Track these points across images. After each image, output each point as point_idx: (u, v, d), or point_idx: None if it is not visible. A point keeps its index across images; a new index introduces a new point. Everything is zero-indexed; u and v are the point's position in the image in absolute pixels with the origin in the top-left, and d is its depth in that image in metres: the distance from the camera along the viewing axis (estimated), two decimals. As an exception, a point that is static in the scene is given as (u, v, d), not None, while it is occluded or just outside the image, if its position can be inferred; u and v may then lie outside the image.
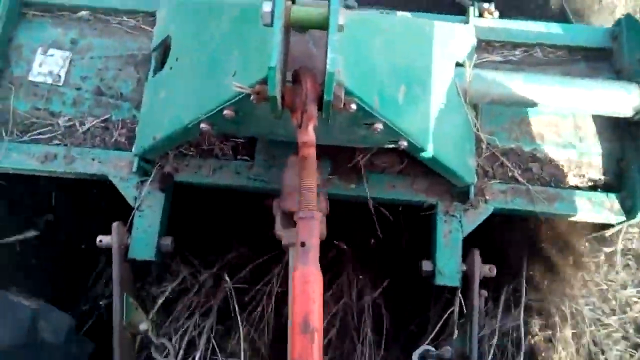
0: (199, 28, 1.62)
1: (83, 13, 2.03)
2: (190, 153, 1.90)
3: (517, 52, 2.02)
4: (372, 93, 1.39)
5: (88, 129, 1.91)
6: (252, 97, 1.28)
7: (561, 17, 2.33)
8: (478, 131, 1.86)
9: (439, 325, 1.92)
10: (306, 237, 1.17)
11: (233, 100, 1.37)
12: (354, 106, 1.34)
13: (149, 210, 1.82)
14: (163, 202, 1.83)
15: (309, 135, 1.25)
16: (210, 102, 1.45)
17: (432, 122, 1.61)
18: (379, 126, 1.45)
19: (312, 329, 1.10)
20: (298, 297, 1.12)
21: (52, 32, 2.01)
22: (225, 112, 1.42)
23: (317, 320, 1.11)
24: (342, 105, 1.28)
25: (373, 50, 1.47)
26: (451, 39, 1.79)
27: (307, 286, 1.13)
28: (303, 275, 1.14)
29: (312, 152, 1.25)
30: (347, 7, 1.74)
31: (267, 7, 1.17)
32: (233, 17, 1.49)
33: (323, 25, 1.21)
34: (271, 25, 1.18)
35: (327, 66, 1.15)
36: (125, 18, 2.03)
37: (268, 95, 1.21)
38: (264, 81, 1.24)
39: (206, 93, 1.49)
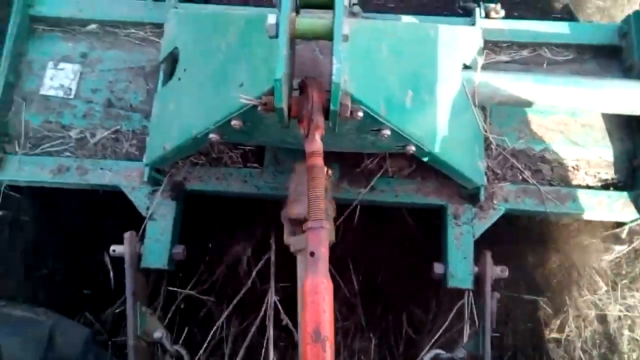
0: (206, 40, 1.63)
1: (92, 26, 2.05)
2: (201, 162, 1.92)
3: (524, 52, 2.01)
4: (378, 100, 1.40)
5: (99, 140, 1.93)
6: (259, 108, 1.29)
7: (568, 15, 2.30)
8: (487, 133, 1.86)
9: (442, 329, 1.92)
10: (316, 246, 1.18)
11: (241, 111, 1.38)
12: (360, 114, 1.34)
13: (160, 219, 1.84)
14: (175, 211, 1.85)
15: (316, 144, 1.26)
16: (218, 113, 1.46)
17: (440, 126, 1.61)
18: (387, 132, 1.45)
19: (323, 338, 1.10)
20: (309, 307, 1.13)
21: (62, 46, 2.04)
22: (233, 122, 1.43)
23: (328, 329, 1.12)
24: (349, 114, 1.28)
25: (379, 56, 1.48)
26: (457, 42, 1.79)
27: (317, 296, 1.14)
28: (313, 285, 1.14)
29: (319, 161, 1.26)
30: (352, 14, 1.74)
31: (272, 20, 1.17)
32: (239, 28, 1.50)
33: (328, 35, 1.22)
34: (276, 37, 1.19)
35: (333, 76, 1.15)
36: (133, 30, 2.05)
37: (275, 106, 1.21)
38: (271, 92, 1.25)
39: (214, 104, 1.51)
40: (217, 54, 1.55)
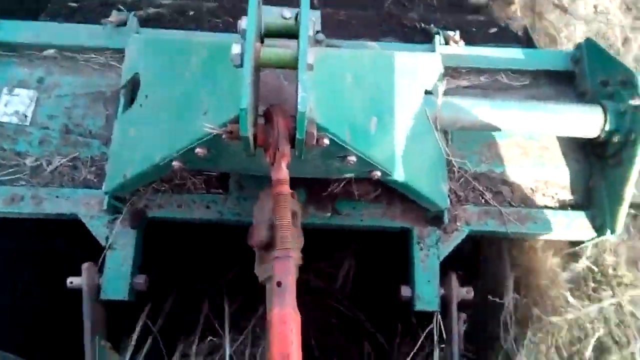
0: (169, 66, 1.61)
1: (50, 51, 2.00)
2: (163, 188, 1.87)
3: (482, 78, 2.08)
4: (344, 127, 1.40)
5: (56, 168, 1.86)
6: (224, 136, 1.28)
7: (526, 43, 2.40)
8: (449, 156, 1.89)
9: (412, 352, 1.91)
10: (283, 276, 1.16)
11: (205, 139, 1.37)
12: (326, 141, 1.34)
13: (120, 249, 1.78)
14: (135, 240, 1.80)
15: (282, 172, 1.25)
16: (181, 141, 1.43)
17: (405, 151, 1.63)
18: (352, 158, 1.46)
19: (291, 370, 1.08)
20: (275, 339, 1.11)
21: (18, 72, 1.97)
22: (197, 150, 1.41)
23: (296, 361, 1.10)
24: (315, 142, 1.28)
25: (343, 84, 1.49)
26: (419, 68, 1.83)
27: (284, 327, 1.12)
28: (280, 316, 1.12)
29: (285, 189, 1.25)
30: (317, 41, 1.76)
31: (236, 49, 1.17)
32: (202, 55, 1.49)
33: (293, 64, 1.22)
34: (241, 66, 1.18)
35: (298, 106, 1.15)
36: (93, 55, 2.00)
37: (240, 135, 1.20)
38: (236, 120, 1.24)
39: (177, 131, 1.48)
40: (180, 80, 1.53)
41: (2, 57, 2.00)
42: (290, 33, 1.35)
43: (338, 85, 1.48)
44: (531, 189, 1.96)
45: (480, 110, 1.81)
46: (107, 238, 1.78)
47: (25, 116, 1.90)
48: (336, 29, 2.31)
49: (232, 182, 1.90)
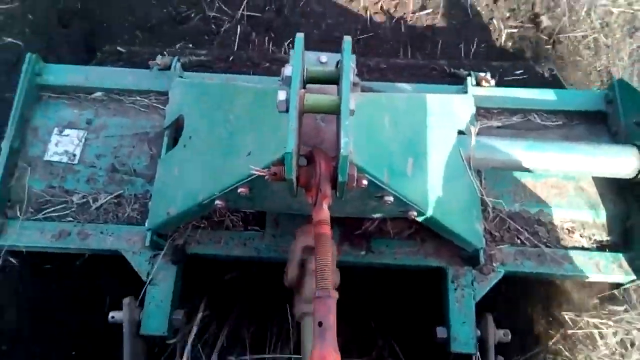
0: (212, 109, 1.69)
1: (98, 94, 2.12)
2: (202, 225, 1.93)
3: (515, 118, 2.10)
4: (382, 168, 1.44)
5: (101, 205, 1.95)
6: (267, 177, 1.33)
7: (554, 84, 2.43)
8: (483, 196, 1.91)
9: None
10: (323, 316, 1.18)
11: (248, 179, 1.42)
12: (365, 182, 1.38)
13: (161, 284, 1.83)
14: (175, 276, 1.85)
15: (323, 213, 1.29)
16: (225, 180, 1.49)
17: (440, 191, 1.65)
18: (390, 199, 1.49)
19: (334, 411, 1.09)
20: (318, 379, 1.12)
21: (68, 113, 2.09)
22: (240, 190, 1.46)
23: (338, 402, 1.10)
24: (355, 183, 1.32)
25: (381, 127, 1.54)
26: (452, 109, 1.87)
27: (326, 366, 1.13)
28: (321, 356, 1.13)
29: (327, 229, 1.28)
30: (353, 84, 1.82)
31: (282, 96, 1.23)
32: (246, 100, 1.56)
33: (335, 110, 1.28)
34: (287, 112, 1.24)
35: (341, 150, 1.20)
36: (138, 97, 2.11)
37: (285, 177, 1.25)
38: (279, 162, 1.29)
39: (221, 171, 1.54)
40: (224, 123, 1.60)
41: (53, 99, 2.12)
42: (331, 80, 1.41)
43: (376, 128, 1.53)
44: (567, 229, 1.95)
45: (514, 150, 1.83)
46: (148, 274, 1.83)
47: (74, 155, 2.00)
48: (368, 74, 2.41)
49: (268, 220, 1.95)
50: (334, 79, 1.40)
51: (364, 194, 1.49)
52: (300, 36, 1.35)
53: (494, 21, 2.88)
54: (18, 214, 1.91)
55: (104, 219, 1.93)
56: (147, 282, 1.83)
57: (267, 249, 1.90)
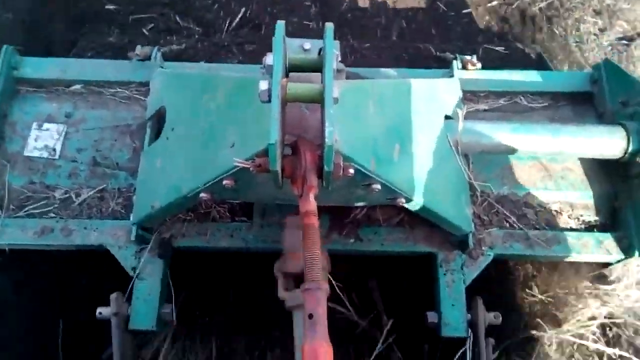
0: (194, 100, 1.65)
1: (77, 86, 2.06)
2: (188, 218, 1.90)
3: (501, 101, 2.09)
4: (368, 156, 1.42)
5: (84, 200, 1.91)
6: (252, 169, 1.30)
7: (540, 65, 2.42)
8: (471, 180, 1.90)
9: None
10: (313, 308, 1.17)
11: (232, 171, 1.39)
12: (352, 171, 1.36)
13: (148, 278, 1.81)
14: (162, 269, 1.82)
15: (310, 204, 1.27)
16: (209, 173, 1.47)
17: (428, 176, 1.64)
18: (377, 187, 1.47)
19: (325, 404, 1.08)
20: (309, 372, 1.11)
21: (47, 107, 2.04)
22: (225, 182, 1.44)
23: (329, 394, 1.10)
24: (341, 172, 1.30)
25: (366, 114, 1.51)
26: (438, 94, 1.85)
27: (317, 359, 1.12)
28: (312, 349, 1.12)
29: (314, 220, 1.26)
30: (337, 71, 1.79)
31: (264, 86, 1.20)
32: (228, 90, 1.53)
33: (318, 99, 1.25)
34: (269, 102, 1.21)
35: (326, 139, 1.17)
36: (118, 89, 2.07)
37: (269, 168, 1.23)
38: (264, 153, 1.27)
39: (205, 163, 1.51)
40: (206, 114, 1.57)
41: (30, 93, 2.07)
42: (314, 68, 1.38)
43: (361, 115, 1.51)
44: (556, 211, 1.95)
45: (502, 134, 1.82)
46: (134, 268, 1.80)
47: (54, 150, 1.95)
48: (353, 57, 2.37)
49: (255, 210, 1.92)
50: (317, 67, 1.37)
51: (350, 183, 1.47)
52: (280, 24, 1.31)
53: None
54: (-1, 211, 1.87)
55: (88, 214, 1.89)
56: (134, 276, 1.80)
57: (255, 240, 1.88)
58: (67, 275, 2.09)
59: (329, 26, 1.33)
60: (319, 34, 1.47)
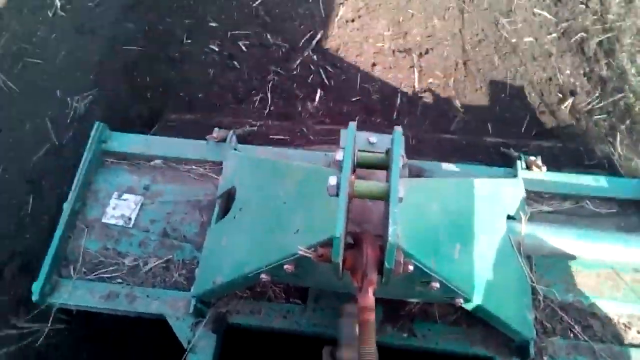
0: (264, 184, 1.75)
1: (157, 161, 2.23)
2: (245, 295, 1.94)
3: (566, 204, 2.05)
4: (429, 254, 1.43)
5: (150, 268, 2.00)
6: (313, 258, 1.34)
7: (610, 170, 2.38)
8: (534, 283, 1.84)
9: None
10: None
11: (294, 257, 1.44)
12: (411, 267, 1.37)
13: (200, 353, 1.83)
14: (215, 344, 1.85)
15: (369, 300, 1.28)
16: (272, 256, 1.52)
17: (488, 277, 1.62)
18: (436, 285, 1.47)
19: None
20: None
21: (128, 179, 2.20)
22: (285, 266, 1.48)
23: None
24: (401, 270, 1.32)
25: (428, 212, 1.54)
26: (501, 194, 1.86)
27: None
28: None
29: (372, 317, 1.27)
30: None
31: (333, 181, 1.27)
32: (298, 178, 1.61)
33: (384, 197, 1.30)
34: (337, 196, 1.27)
35: (389, 237, 1.21)
36: (194, 166, 2.21)
37: (331, 259, 1.26)
38: (327, 244, 1.31)
39: (268, 246, 1.57)
40: (275, 198, 1.65)
41: (115, 165, 2.25)
42: (381, 166, 1.44)
43: (424, 213, 1.54)
44: (624, 324, 1.84)
45: (565, 239, 1.78)
46: (189, 341, 1.84)
47: (130, 219, 2.09)
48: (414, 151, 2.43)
49: (310, 293, 1.94)
50: (383, 165, 1.44)
51: (409, 279, 1.47)
52: (352, 125, 1.40)
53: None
54: (72, 273, 1.99)
55: (152, 283, 1.98)
56: (187, 349, 1.84)
57: (308, 323, 1.88)
58: (125, 339, 2.15)
59: (397, 130, 1.40)
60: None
